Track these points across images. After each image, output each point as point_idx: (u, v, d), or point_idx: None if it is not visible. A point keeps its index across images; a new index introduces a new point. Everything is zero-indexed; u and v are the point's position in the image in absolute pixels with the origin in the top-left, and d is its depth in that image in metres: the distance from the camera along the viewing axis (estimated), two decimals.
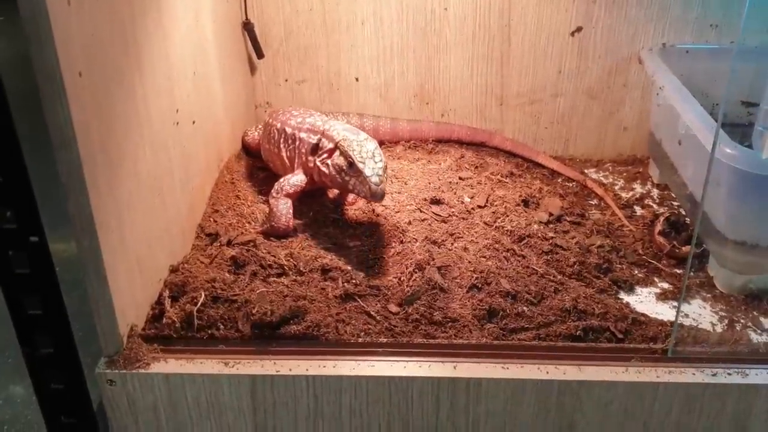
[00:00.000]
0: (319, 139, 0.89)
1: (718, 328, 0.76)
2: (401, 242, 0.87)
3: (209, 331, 0.72)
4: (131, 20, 0.69)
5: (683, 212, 0.96)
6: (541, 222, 0.93)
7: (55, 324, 0.65)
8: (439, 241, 0.87)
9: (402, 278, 0.80)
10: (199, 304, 0.73)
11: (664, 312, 0.78)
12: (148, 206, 0.74)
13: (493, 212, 0.94)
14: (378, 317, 0.75)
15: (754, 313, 0.79)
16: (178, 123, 0.81)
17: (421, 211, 0.94)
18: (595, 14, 1.06)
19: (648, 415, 0.68)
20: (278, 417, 0.70)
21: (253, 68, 1.14)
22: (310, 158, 0.90)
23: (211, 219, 0.91)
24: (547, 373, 0.67)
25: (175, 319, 0.71)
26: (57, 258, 0.64)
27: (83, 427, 0.69)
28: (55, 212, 0.63)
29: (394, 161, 1.09)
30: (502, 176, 1.04)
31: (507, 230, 0.90)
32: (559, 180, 1.07)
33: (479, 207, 0.96)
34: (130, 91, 0.69)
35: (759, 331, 0.76)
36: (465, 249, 0.86)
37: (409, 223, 0.91)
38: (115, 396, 0.68)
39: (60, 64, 0.55)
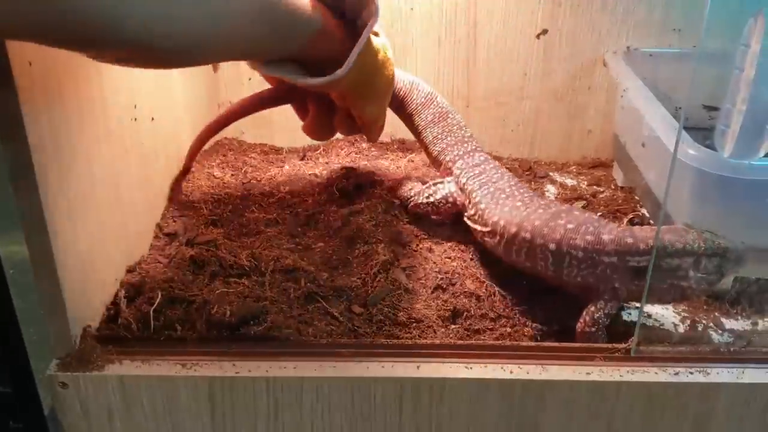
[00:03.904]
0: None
1: (681, 329, 0.77)
2: (366, 243, 0.85)
3: (166, 333, 0.70)
4: None
5: (647, 215, 0.97)
6: None
7: (2, 326, 0.63)
8: (405, 241, 0.87)
9: (366, 279, 0.79)
10: (155, 304, 0.71)
11: (628, 312, 0.78)
12: (104, 204, 0.72)
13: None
14: (341, 318, 0.74)
15: (716, 313, 0.80)
16: (135, 119, 0.80)
17: (386, 213, 0.93)
18: (560, 17, 1.06)
19: (611, 415, 0.68)
20: (237, 420, 0.68)
21: (215, 67, 1.12)
22: (674, 282, 0.71)
23: (170, 218, 0.89)
24: (511, 372, 0.67)
25: (131, 320, 0.70)
26: (10, 261, 0.62)
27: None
28: (6, 213, 0.61)
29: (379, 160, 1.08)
30: None
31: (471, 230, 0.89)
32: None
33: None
34: (84, 83, 0.67)
35: (720, 331, 0.77)
36: (430, 250, 0.86)
37: (375, 224, 0.90)
38: (68, 399, 0.66)
39: (8, 52, 0.53)
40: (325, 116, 0.82)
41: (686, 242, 0.70)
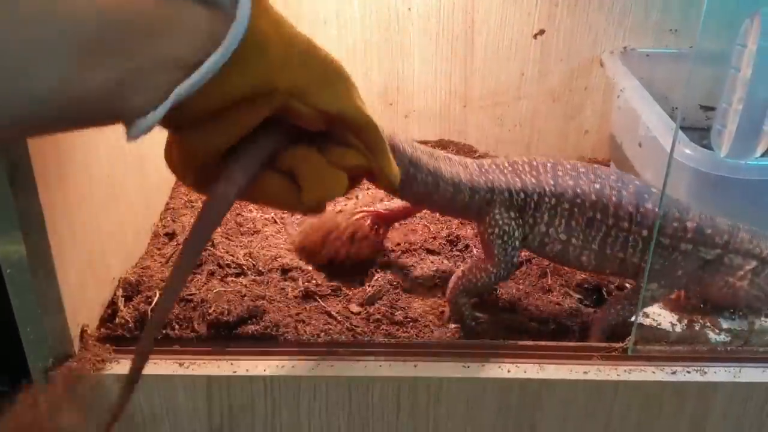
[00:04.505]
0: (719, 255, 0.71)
1: (678, 328, 0.77)
2: None
3: (164, 331, 0.69)
4: None
5: None
6: None
7: (0, 325, 0.63)
8: (402, 241, 0.87)
9: (364, 278, 0.79)
10: (153, 303, 0.71)
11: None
12: (101, 203, 0.72)
13: None
14: (339, 317, 0.74)
15: (712, 313, 0.80)
16: None
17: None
18: (558, 17, 1.06)
19: (608, 414, 0.68)
20: (235, 419, 0.68)
21: None
22: (731, 280, 0.71)
23: (168, 218, 0.89)
24: (508, 371, 0.67)
25: (129, 319, 0.69)
26: (8, 260, 0.61)
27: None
28: (5, 213, 0.61)
29: None
30: None
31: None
32: None
33: None
34: None
35: (717, 331, 0.77)
36: (428, 250, 0.86)
37: (372, 223, 0.90)
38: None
39: None
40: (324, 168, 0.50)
41: (757, 244, 0.69)
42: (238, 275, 0.78)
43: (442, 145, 1.15)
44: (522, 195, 0.71)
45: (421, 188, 0.68)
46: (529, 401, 0.68)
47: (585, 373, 0.68)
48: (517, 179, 0.72)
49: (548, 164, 0.73)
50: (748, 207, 0.78)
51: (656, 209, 0.70)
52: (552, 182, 0.71)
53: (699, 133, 0.96)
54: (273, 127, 0.47)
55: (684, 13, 1.06)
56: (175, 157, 0.48)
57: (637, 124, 0.94)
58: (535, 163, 0.73)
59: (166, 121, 0.42)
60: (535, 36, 1.08)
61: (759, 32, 0.72)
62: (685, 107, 1.04)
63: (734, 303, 0.74)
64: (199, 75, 0.40)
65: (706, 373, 0.68)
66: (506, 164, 0.73)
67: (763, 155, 0.78)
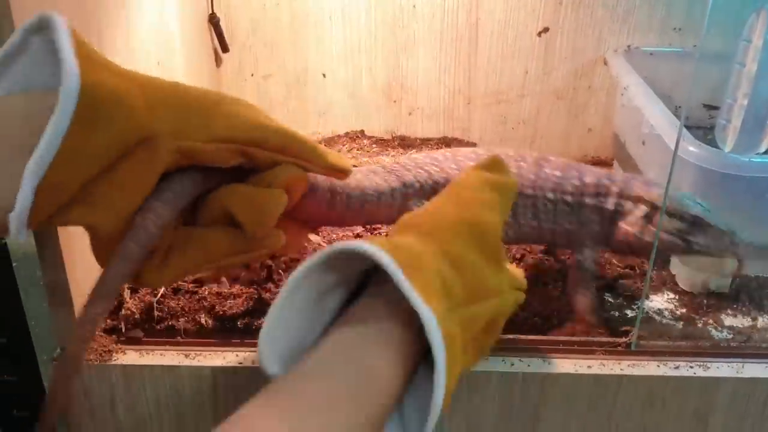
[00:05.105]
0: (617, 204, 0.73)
1: (681, 323, 0.77)
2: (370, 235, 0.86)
3: (169, 323, 0.70)
4: (94, 8, 0.67)
5: None
6: None
7: (9, 316, 0.63)
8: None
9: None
10: (159, 295, 0.71)
11: (630, 307, 0.79)
12: None
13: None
14: None
15: (714, 309, 0.80)
16: None
17: None
18: (562, 15, 1.07)
19: (611, 408, 0.68)
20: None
21: (218, 62, 1.13)
22: (624, 227, 0.72)
23: None
24: (512, 365, 0.67)
25: (134, 311, 0.70)
26: (17, 253, 0.62)
27: (37, 421, 0.67)
28: None
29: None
30: None
31: None
32: None
33: None
34: None
35: (719, 328, 0.77)
36: None
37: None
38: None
39: None
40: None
41: (649, 191, 0.72)
42: (243, 267, 0.78)
43: (445, 142, 1.15)
44: (430, 183, 0.73)
45: (354, 206, 0.69)
46: (533, 395, 0.68)
47: (589, 367, 0.68)
48: (422, 171, 0.74)
49: (448, 154, 0.76)
50: (753, 203, 0.78)
51: (555, 172, 0.73)
52: (455, 166, 0.73)
53: (703, 131, 0.96)
54: (191, 169, 0.48)
55: (688, 12, 1.07)
56: (96, 251, 0.48)
57: (641, 123, 0.94)
58: (436, 156, 0.76)
59: (59, 213, 0.44)
60: (539, 34, 1.09)
61: (765, 27, 0.72)
62: (688, 106, 1.04)
63: (632, 251, 0.75)
64: (44, 143, 0.40)
65: (709, 368, 0.69)
66: (408, 162, 0.75)
67: (767, 151, 0.79)
